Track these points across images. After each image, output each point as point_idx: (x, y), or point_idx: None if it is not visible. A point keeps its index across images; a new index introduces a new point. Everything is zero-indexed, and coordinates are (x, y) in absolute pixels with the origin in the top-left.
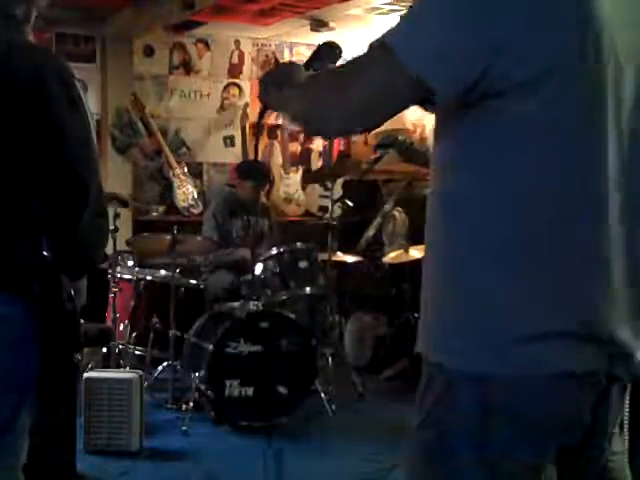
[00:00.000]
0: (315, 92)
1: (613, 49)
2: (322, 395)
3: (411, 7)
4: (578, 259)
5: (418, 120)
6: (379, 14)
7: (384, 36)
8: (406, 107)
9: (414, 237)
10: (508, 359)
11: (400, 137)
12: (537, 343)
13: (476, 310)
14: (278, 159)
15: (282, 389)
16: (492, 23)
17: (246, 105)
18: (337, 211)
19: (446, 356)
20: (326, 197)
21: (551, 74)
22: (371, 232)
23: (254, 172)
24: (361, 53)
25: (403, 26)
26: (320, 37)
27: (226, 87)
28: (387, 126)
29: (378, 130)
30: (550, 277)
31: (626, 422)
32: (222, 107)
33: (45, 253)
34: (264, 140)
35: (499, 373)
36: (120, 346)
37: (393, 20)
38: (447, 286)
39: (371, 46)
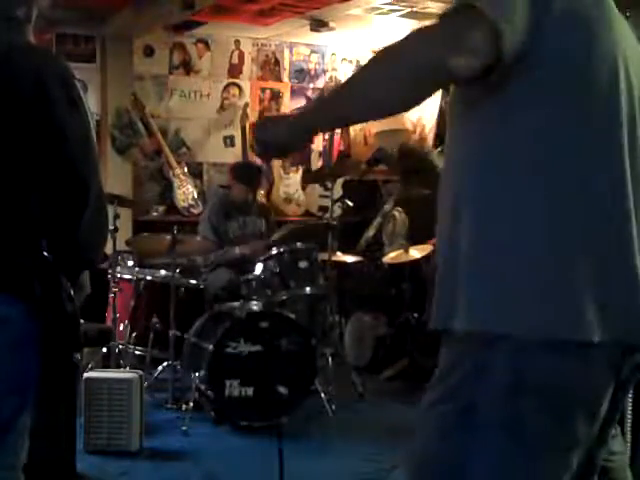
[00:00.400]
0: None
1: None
2: (322, 395)
3: None
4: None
5: (418, 120)
6: (379, 14)
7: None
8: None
9: (414, 237)
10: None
11: (391, 152)
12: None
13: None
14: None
15: (282, 389)
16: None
17: (246, 105)
18: (337, 211)
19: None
20: (326, 197)
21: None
22: (371, 232)
23: (245, 174)
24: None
25: None
26: (320, 37)
27: (226, 87)
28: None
29: (378, 130)
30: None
31: (629, 424)
32: (222, 107)
33: (45, 254)
34: None
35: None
36: (120, 346)
37: (393, 20)
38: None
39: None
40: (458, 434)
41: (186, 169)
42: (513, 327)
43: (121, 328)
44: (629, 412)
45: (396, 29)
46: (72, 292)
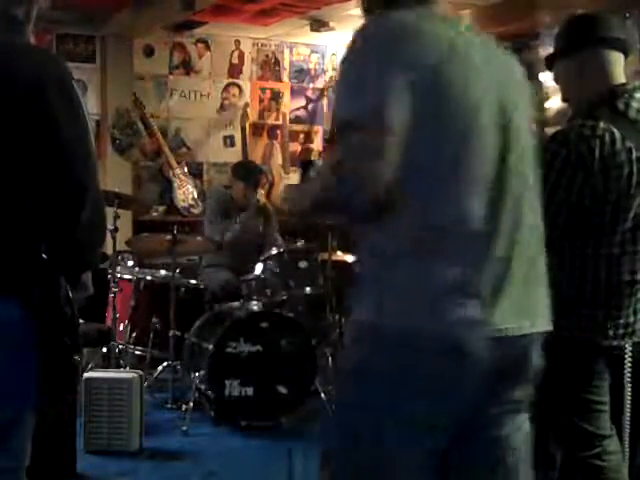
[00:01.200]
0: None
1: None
2: (322, 395)
3: None
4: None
5: None
6: None
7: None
8: None
9: None
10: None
11: None
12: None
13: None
14: (278, 159)
15: (282, 389)
16: None
17: (246, 105)
18: None
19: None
20: None
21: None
22: None
23: (244, 172)
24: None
25: None
26: (320, 37)
27: (226, 87)
28: None
29: None
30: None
31: (627, 424)
32: (222, 107)
33: (44, 255)
34: (264, 140)
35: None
36: (120, 346)
37: None
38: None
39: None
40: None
41: (186, 169)
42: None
43: (121, 328)
44: (627, 413)
45: None
46: (70, 294)
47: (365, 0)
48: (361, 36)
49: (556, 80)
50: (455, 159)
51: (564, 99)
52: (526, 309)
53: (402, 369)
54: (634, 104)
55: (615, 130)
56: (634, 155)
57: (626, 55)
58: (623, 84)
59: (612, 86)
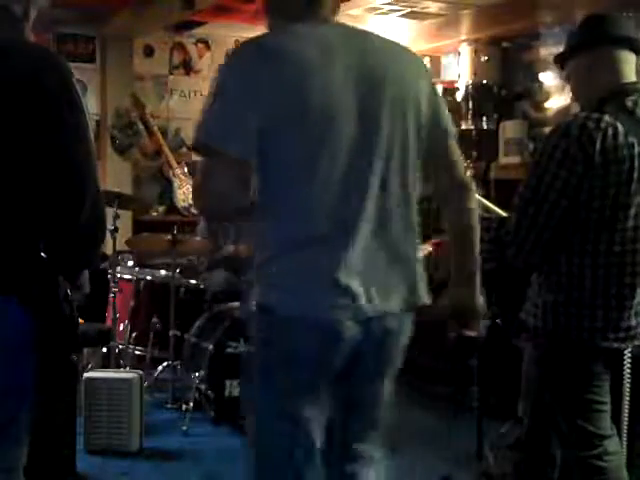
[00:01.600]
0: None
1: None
2: None
3: None
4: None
5: None
6: (379, 14)
7: None
8: None
9: None
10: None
11: None
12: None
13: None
14: None
15: None
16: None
17: None
18: None
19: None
20: None
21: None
22: None
23: None
24: None
25: None
26: None
27: None
28: None
29: None
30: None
31: (625, 424)
32: None
33: (43, 254)
34: None
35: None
36: (120, 346)
37: (393, 20)
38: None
39: None
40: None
41: (186, 169)
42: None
43: (121, 328)
44: (626, 413)
45: (396, 29)
46: (70, 293)
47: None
48: (227, 58)
49: (567, 78)
50: (309, 161)
51: (574, 98)
52: (390, 291)
53: (288, 343)
54: None
55: (619, 124)
56: (636, 150)
57: (638, 54)
58: (633, 82)
59: (622, 84)
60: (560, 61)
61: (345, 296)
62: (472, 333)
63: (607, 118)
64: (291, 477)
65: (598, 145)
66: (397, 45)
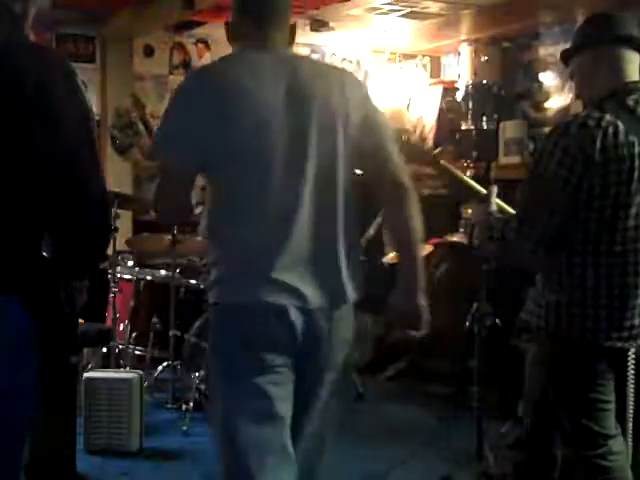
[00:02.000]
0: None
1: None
2: None
3: None
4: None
5: (418, 120)
6: (379, 14)
7: None
8: None
9: None
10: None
11: (402, 136)
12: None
13: None
14: None
15: None
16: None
17: None
18: None
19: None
20: None
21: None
22: (371, 232)
23: None
24: None
25: None
26: (320, 37)
27: None
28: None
29: None
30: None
31: (630, 424)
32: None
33: (44, 254)
34: None
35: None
36: (120, 346)
37: (393, 20)
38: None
39: None
40: None
41: None
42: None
43: (121, 328)
44: (630, 412)
45: (396, 29)
46: (70, 294)
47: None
48: (179, 87)
49: (571, 76)
50: (247, 177)
51: (577, 95)
52: (320, 289)
53: (236, 326)
54: None
55: (620, 123)
56: (636, 149)
57: None
58: (636, 81)
59: (624, 82)
60: (564, 58)
61: (283, 288)
62: (415, 334)
63: (608, 117)
64: (255, 460)
65: (598, 144)
66: (326, 64)
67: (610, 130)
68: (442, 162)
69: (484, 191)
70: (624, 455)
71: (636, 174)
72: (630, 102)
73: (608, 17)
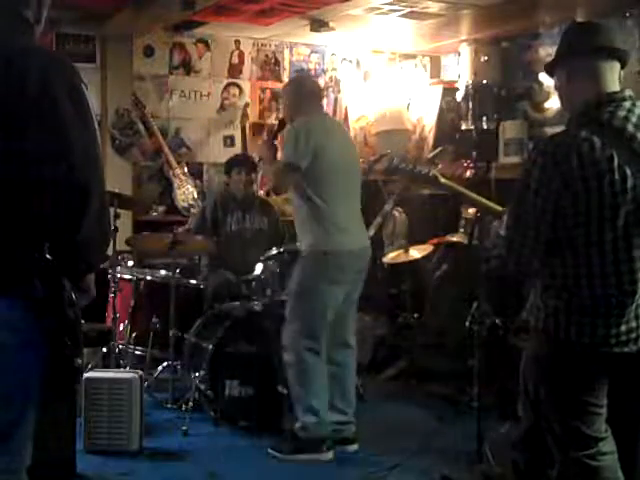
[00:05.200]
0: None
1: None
2: None
3: None
4: None
5: (418, 120)
6: (379, 14)
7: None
8: None
9: (414, 237)
10: None
11: (401, 165)
12: None
13: None
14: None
15: (282, 389)
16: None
17: (246, 105)
18: None
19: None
20: None
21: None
22: (371, 232)
23: (237, 161)
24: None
25: None
26: (320, 37)
27: (226, 87)
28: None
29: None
30: None
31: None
32: (222, 107)
33: (48, 256)
34: (263, 140)
35: None
36: (120, 346)
37: (393, 20)
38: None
39: None
40: None
41: (186, 169)
42: None
43: (121, 328)
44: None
45: (396, 29)
46: (74, 295)
47: (286, 112)
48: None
49: (555, 88)
50: (330, 181)
51: (562, 107)
52: (360, 235)
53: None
54: (620, 113)
55: (596, 139)
56: (615, 163)
57: (622, 64)
58: (613, 92)
59: (599, 94)
60: (549, 70)
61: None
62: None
63: (583, 133)
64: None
65: (575, 161)
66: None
67: (585, 147)
68: (456, 186)
69: (499, 208)
70: (614, 455)
71: (617, 187)
72: (605, 115)
73: (585, 27)
